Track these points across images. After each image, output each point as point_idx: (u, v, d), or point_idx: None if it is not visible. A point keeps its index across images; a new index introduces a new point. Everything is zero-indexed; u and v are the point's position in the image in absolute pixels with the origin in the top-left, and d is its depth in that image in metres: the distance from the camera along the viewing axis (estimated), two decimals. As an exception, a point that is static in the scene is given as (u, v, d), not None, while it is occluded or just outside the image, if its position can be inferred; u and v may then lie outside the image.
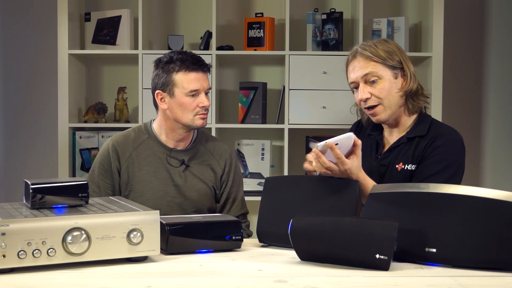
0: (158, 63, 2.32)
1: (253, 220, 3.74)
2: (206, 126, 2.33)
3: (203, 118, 2.30)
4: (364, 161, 1.94)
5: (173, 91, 2.27)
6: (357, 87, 2.09)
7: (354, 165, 1.82)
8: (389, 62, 2.04)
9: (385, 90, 2.04)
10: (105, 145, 2.36)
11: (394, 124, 2.12)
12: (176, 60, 2.27)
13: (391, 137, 2.14)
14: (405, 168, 2.04)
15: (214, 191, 2.39)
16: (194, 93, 2.27)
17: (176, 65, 2.27)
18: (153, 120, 2.41)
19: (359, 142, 1.83)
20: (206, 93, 2.32)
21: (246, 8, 3.76)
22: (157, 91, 2.31)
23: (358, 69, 2.06)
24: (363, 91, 2.06)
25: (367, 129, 2.21)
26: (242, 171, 3.59)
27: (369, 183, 1.87)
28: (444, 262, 1.55)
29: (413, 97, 2.08)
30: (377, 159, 2.12)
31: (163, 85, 2.29)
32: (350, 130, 2.29)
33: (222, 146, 2.45)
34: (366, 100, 2.06)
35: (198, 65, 2.28)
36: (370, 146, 2.16)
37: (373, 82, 2.05)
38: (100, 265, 1.53)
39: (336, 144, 1.77)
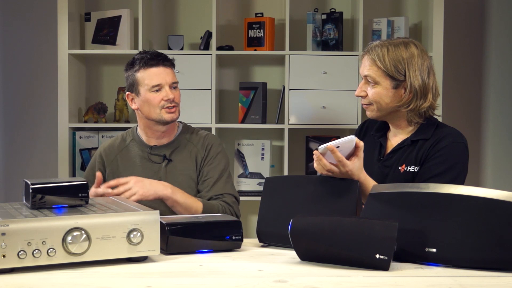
0: (125, 66, 2.41)
1: (253, 220, 3.75)
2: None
3: (170, 112, 2.33)
4: (367, 162, 1.94)
5: (138, 90, 2.35)
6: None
7: (355, 166, 1.82)
8: (390, 73, 2.01)
9: (378, 95, 2.04)
10: (94, 154, 2.46)
11: (396, 125, 2.12)
12: (136, 60, 2.36)
13: (395, 138, 2.13)
14: (408, 170, 2.04)
15: (197, 180, 2.40)
16: (157, 88, 2.33)
17: (136, 64, 2.35)
18: None
19: (361, 144, 1.83)
20: (174, 87, 2.37)
21: (246, 8, 3.76)
22: (127, 93, 2.40)
23: (363, 67, 2.08)
24: (360, 88, 2.09)
25: (371, 131, 2.21)
26: (242, 171, 3.59)
27: (370, 184, 1.87)
28: (444, 262, 1.55)
29: (413, 112, 2.04)
30: (380, 161, 2.11)
31: (130, 86, 2.38)
32: (355, 133, 2.29)
33: (205, 135, 2.45)
34: (361, 96, 2.10)
35: (157, 60, 2.34)
36: (373, 147, 2.16)
37: (371, 84, 2.05)
38: (100, 265, 1.53)
39: (337, 147, 1.77)
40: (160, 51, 3.39)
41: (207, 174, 2.37)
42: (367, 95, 2.07)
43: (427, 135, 2.05)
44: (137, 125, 2.47)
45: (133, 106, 2.39)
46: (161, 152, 2.38)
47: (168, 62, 2.37)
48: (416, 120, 2.07)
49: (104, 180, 2.34)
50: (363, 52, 2.10)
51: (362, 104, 2.13)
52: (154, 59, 2.34)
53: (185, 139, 2.43)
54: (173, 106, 2.33)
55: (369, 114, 2.11)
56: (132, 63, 2.37)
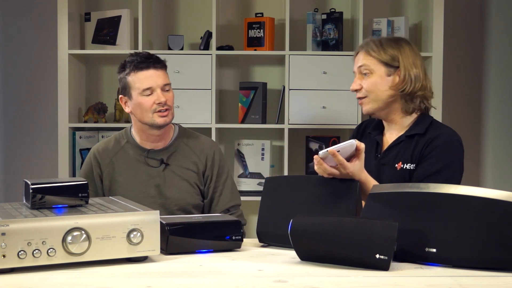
0: (118, 68, 2.37)
1: (253, 220, 3.74)
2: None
3: (162, 116, 2.28)
4: (365, 160, 1.94)
5: (130, 93, 2.31)
6: None
7: (356, 168, 1.82)
8: (383, 59, 2.07)
9: (373, 84, 2.08)
10: (88, 154, 2.42)
11: (391, 121, 2.13)
12: (127, 63, 2.31)
13: (391, 135, 2.15)
14: (404, 167, 2.05)
15: (198, 187, 2.38)
16: (149, 92, 2.28)
17: (127, 67, 2.31)
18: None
19: (362, 146, 1.84)
20: (167, 90, 2.31)
21: (246, 8, 3.76)
22: (120, 96, 2.37)
23: (357, 60, 2.13)
24: (355, 82, 2.12)
25: (369, 130, 2.22)
26: (242, 171, 3.59)
27: (371, 184, 1.87)
28: (444, 262, 1.55)
29: (407, 98, 2.08)
30: (377, 158, 2.12)
31: (122, 89, 2.35)
32: (352, 133, 2.30)
33: (204, 142, 2.43)
34: (356, 90, 2.12)
35: (147, 63, 2.28)
36: (370, 145, 2.17)
37: (365, 74, 2.09)
38: (100, 265, 1.53)
39: (338, 151, 1.78)
40: (160, 51, 3.38)
41: (215, 189, 2.37)
42: (362, 87, 2.10)
43: (421, 130, 2.07)
44: (131, 126, 2.43)
45: (127, 109, 2.34)
46: (158, 156, 2.35)
47: (159, 64, 2.30)
48: (412, 107, 2.08)
49: (101, 180, 2.34)
50: (356, 50, 2.15)
51: (357, 99, 2.15)
52: (144, 61, 2.27)
53: (183, 143, 2.39)
54: (166, 109, 2.28)
55: (365, 108, 2.13)
56: (123, 66, 2.32)
